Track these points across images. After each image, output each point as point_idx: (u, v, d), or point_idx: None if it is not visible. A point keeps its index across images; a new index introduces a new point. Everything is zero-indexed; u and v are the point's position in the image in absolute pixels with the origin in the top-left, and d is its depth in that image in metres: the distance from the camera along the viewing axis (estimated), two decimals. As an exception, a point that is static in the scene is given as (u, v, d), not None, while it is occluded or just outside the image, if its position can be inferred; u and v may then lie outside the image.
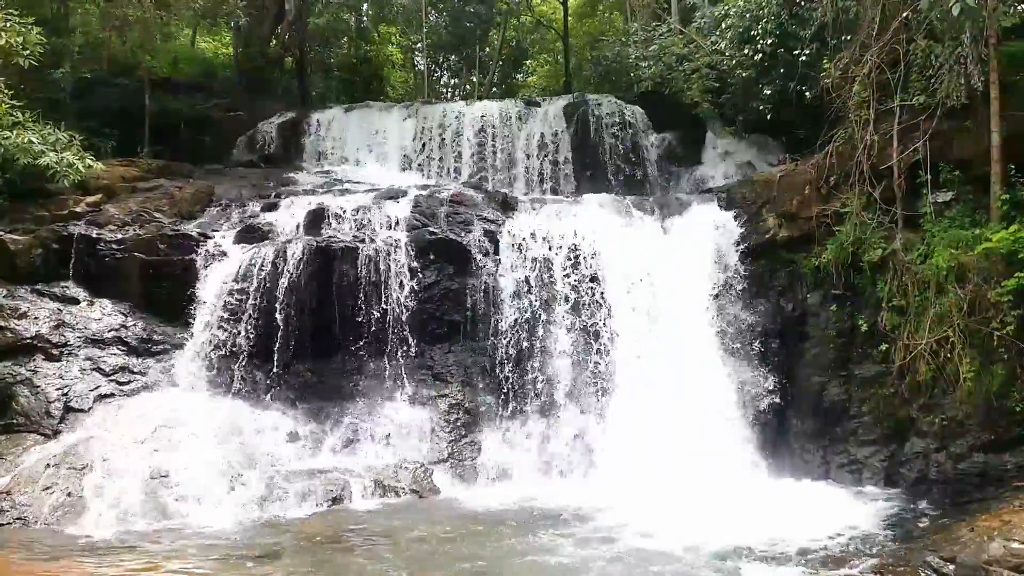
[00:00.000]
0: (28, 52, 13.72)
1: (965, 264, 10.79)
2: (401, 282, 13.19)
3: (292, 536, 9.31)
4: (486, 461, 12.26)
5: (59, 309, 12.89)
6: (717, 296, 13.41)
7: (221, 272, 13.17)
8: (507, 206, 14.97)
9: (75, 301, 13.14)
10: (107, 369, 12.44)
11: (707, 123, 19.32)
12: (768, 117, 16.96)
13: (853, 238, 12.25)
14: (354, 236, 13.63)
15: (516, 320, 13.23)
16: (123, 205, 14.50)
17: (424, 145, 19.83)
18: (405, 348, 13.01)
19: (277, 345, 12.72)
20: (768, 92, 16.61)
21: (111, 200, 14.73)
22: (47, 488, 10.06)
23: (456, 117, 19.92)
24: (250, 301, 12.80)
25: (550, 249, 13.74)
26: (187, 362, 12.71)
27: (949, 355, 10.77)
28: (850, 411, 12.31)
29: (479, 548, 8.93)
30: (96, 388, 12.17)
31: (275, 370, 12.74)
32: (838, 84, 13.13)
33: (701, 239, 13.88)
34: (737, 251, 13.70)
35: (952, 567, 7.72)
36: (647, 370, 12.75)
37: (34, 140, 13.19)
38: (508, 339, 13.15)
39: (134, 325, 13.09)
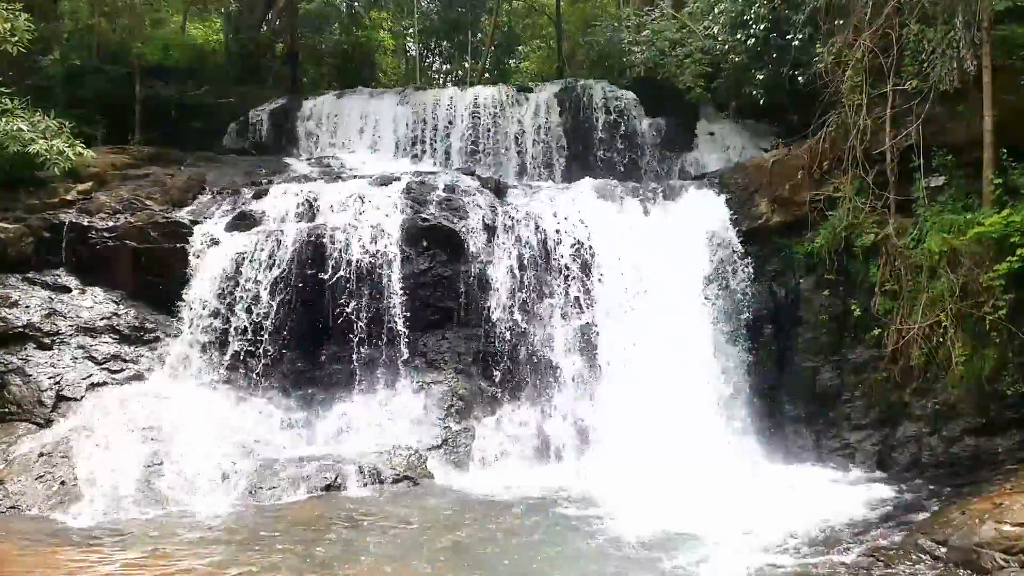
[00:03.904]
0: (17, 39, 13.60)
1: (957, 249, 10.82)
2: (394, 269, 13.16)
3: (286, 522, 9.30)
4: (480, 447, 12.24)
5: (50, 298, 12.85)
6: (710, 281, 13.42)
7: (213, 260, 13.13)
8: (500, 192, 14.95)
9: (66, 289, 13.09)
10: (99, 357, 12.40)
11: (700, 108, 19.28)
12: (761, 102, 16.93)
13: (846, 223, 12.28)
14: (346, 223, 13.59)
15: (509, 306, 13.22)
16: (114, 193, 14.44)
17: (416, 131, 19.77)
18: (398, 335, 12.97)
19: (269, 332, 12.69)
20: (761, 77, 16.58)
21: (102, 188, 14.67)
22: (40, 477, 10.05)
23: (449, 103, 19.85)
24: (242, 288, 12.78)
25: (543, 235, 13.73)
26: (179, 350, 12.68)
27: (941, 339, 10.81)
28: (843, 395, 12.37)
29: (471, 533, 8.95)
30: (88, 377, 12.13)
31: (267, 357, 12.72)
32: (831, 69, 13.11)
33: (694, 224, 13.88)
34: (730, 236, 13.71)
35: (944, 550, 7.77)
36: (640, 355, 12.77)
37: (24, 128, 13.10)
38: (501, 325, 13.13)
39: (126, 313, 13.06)
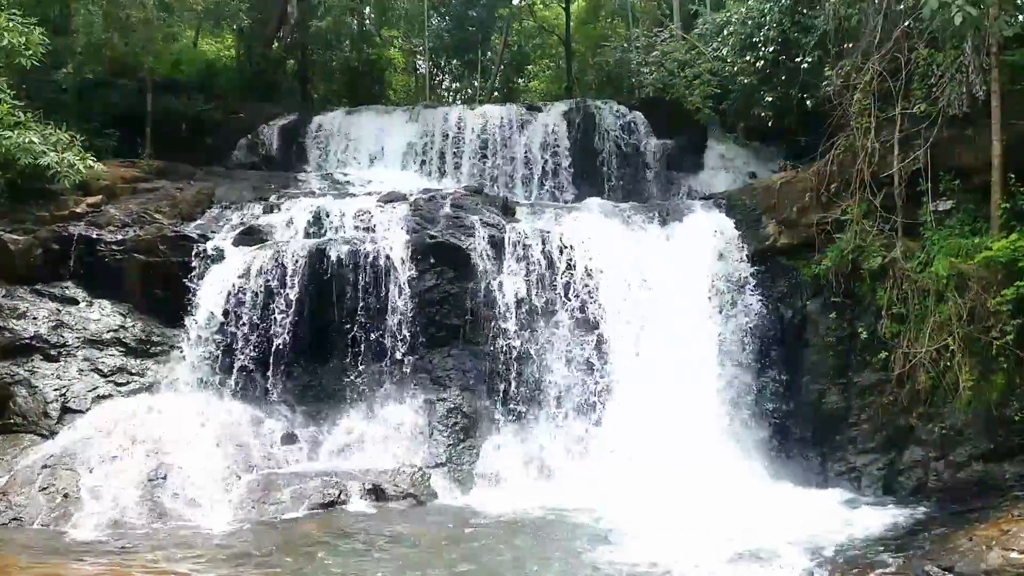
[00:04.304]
0: (30, 52, 13.76)
1: (965, 273, 10.78)
2: (400, 285, 13.17)
3: (288, 538, 9.28)
4: (484, 466, 12.21)
5: (58, 309, 12.89)
6: (716, 302, 13.39)
7: (221, 274, 13.16)
8: (507, 210, 14.98)
9: (74, 302, 13.14)
10: (105, 370, 12.44)
11: (708, 129, 19.35)
12: (769, 124, 16.99)
13: (853, 246, 12.25)
14: (354, 239, 13.63)
15: (515, 324, 13.21)
16: (123, 206, 14.51)
17: (425, 149, 19.83)
18: (404, 352, 12.97)
19: (275, 347, 12.71)
20: (769, 99, 16.63)
21: (112, 201, 14.73)
22: (44, 489, 10.05)
23: (458, 121, 19.92)
24: (249, 303, 12.80)
25: (550, 254, 13.73)
26: (185, 363, 12.70)
27: (949, 364, 10.76)
28: (849, 419, 12.31)
29: (473, 553, 8.91)
30: (94, 389, 12.17)
31: (273, 372, 12.73)
32: (839, 92, 13.15)
33: (701, 245, 13.89)
34: (737, 258, 13.71)
35: (950, 576, 7.70)
36: (645, 376, 12.73)
37: (35, 140, 13.22)
38: (507, 343, 13.11)
39: (133, 326, 13.10)
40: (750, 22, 17.17)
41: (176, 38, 23.32)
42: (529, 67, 33.18)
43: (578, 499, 11.07)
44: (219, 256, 13.51)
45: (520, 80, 33.01)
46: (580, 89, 26.96)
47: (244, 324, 12.74)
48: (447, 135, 19.78)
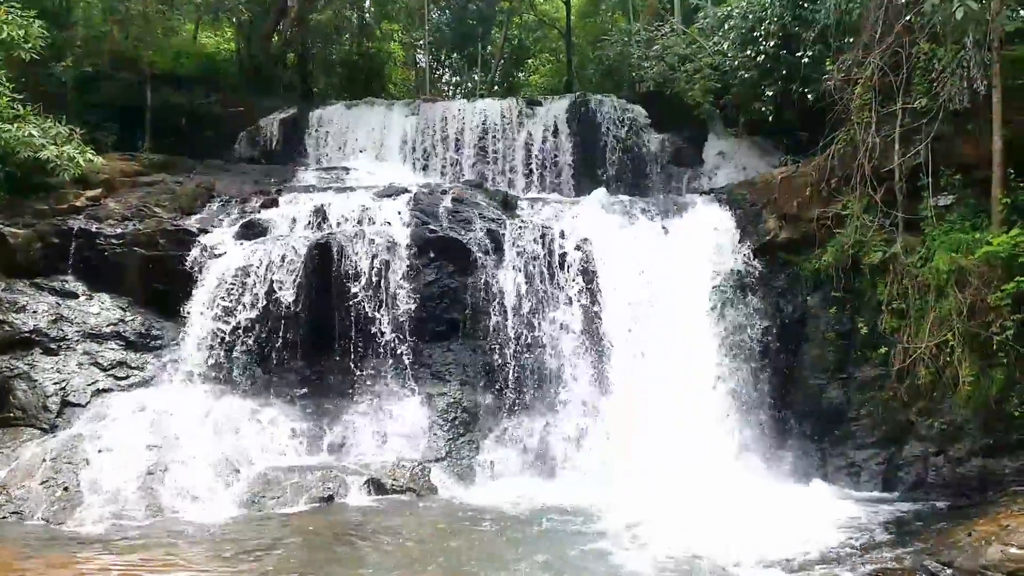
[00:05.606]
0: (30, 45, 13.75)
1: (965, 268, 10.77)
2: (400, 280, 13.18)
3: (288, 532, 9.28)
4: (484, 460, 12.24)
5: (58, 303, 12.90)
6: (716, 296, 13.39)
7: (221, 268, 13.14)
8: (507, 205, 14.97)
9: (74, 295, 13.14)
10: (105, 364, 12.43)
11: (709, 124, 19.31)
12: (770, 118, 16.96)
13: (853, 240, 12.25)
14: (354, 233, 13.61)
15: (515, 319, 13.21)
16: (123, 200, 14.50)
17: (425, 143, 19.81)
18: (404, 346, 12.97)
19: (275, 341, 12.71)
20: (770, 93, 16.61)
21: (111, 195, 14.73)
22: (44, 482, 10.05)
23: (458, 115, 19.90)
24: (249, 297, 12.79)
25: (550, 248, 13.73)
26: (185, 357, 12.67)
27: (948, 359, 10.75)
28: (848, 414, 12.30)
29: (472, 548, 8.91)
30: (94, 383, 12.15)
31: (273, 366, 12.74)
32: (840, 86, 13.13)
33: (701, 240, 13.89)
34: (737, 252, 13.70)
35: (949, 572, 7.71)
36: (645, 370, 12.74)
37: (35, 133, 13.22)
38: (507, 338, 13.12)
39: (133, 320, 13.10)
40: (751, 16, 17.16)
41: (175, 31, 23.24)
42: (529, 61, 33.13)
43: (577, 495, 11.06)
44: (220, 250, 13.50)
45: (520, 74, 32.96)
46: (580, 83, 26.91)
47: (244, 318, 12.72)
48: (447, 129, 19.75)
